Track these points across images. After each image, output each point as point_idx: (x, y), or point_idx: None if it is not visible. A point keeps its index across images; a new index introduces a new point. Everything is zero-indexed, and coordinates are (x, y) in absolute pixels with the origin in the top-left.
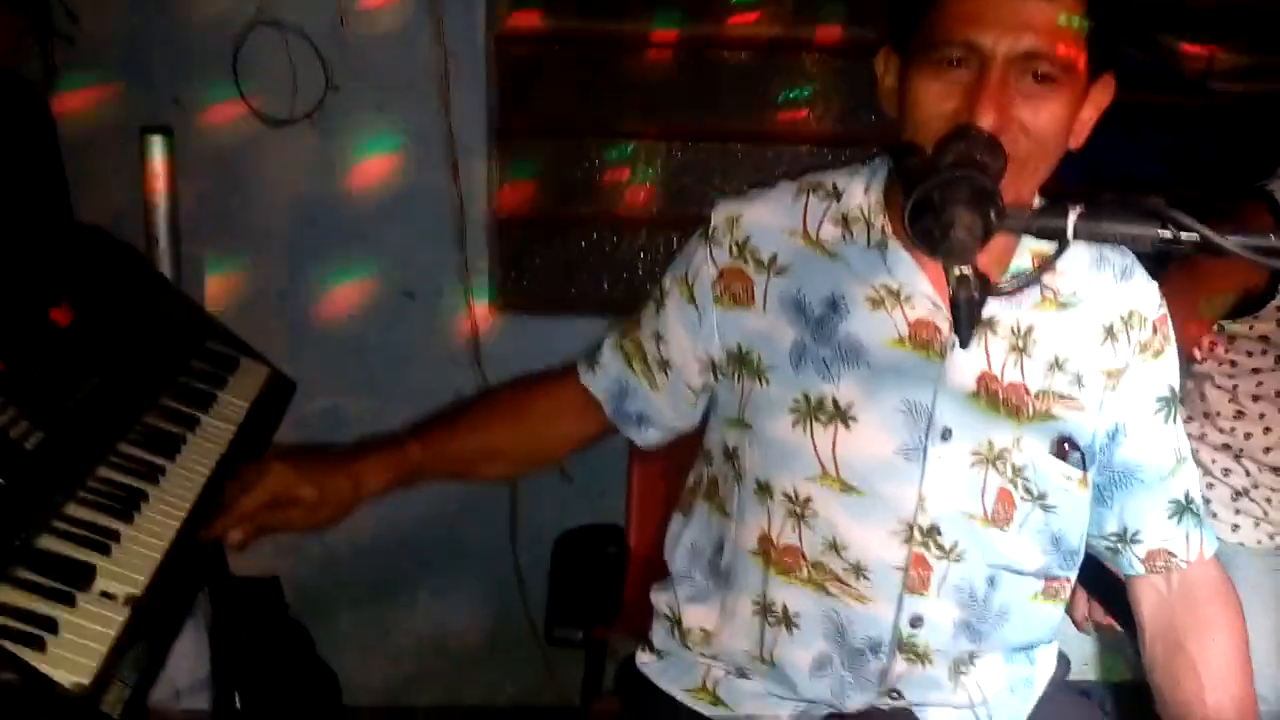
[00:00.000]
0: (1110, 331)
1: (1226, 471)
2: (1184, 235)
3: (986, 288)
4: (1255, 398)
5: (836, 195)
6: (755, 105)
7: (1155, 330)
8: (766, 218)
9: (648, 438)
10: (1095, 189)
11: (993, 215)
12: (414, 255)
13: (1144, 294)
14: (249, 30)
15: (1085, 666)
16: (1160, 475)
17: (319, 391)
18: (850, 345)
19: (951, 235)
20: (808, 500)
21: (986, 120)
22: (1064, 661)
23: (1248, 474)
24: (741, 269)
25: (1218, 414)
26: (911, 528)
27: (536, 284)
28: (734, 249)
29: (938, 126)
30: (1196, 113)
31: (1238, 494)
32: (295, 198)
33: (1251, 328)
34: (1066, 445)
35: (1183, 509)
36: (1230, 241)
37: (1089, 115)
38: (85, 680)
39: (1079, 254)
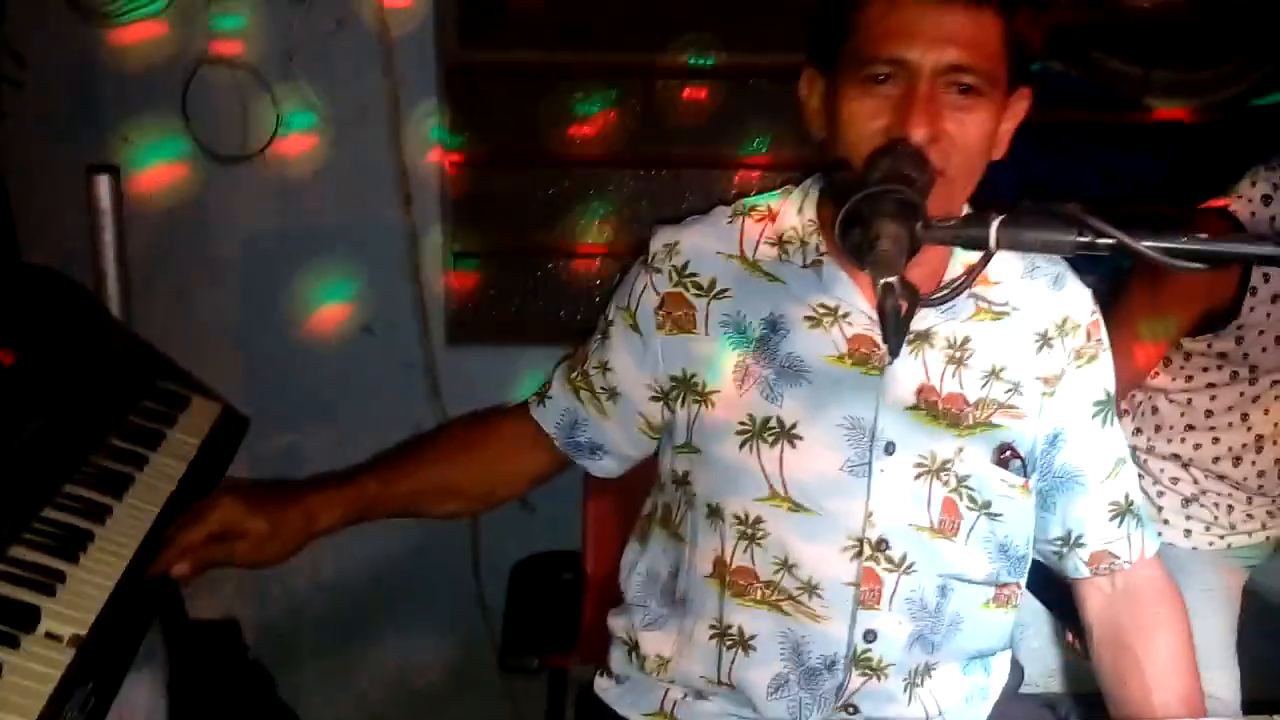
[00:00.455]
0: (1045, 338)
1: (1175, 480)
2: (1100, 240)
3: (915, 298)
4: (1209, 412)
5: (771, 216)
6: (707, 133)
7: (1089, 336)
8: (704, 242)
9: (603, 466)
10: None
11: (918, 227)
12: (369, 289)
13: (1077, 300)
14: (197, 67)
15: (1050, 678)
16: (1100, 478)
17: (276, 429)
18: (792, 364)
19: (878, 247)
20: (758, 520)
21: (918, 133)
22: (1018, 670)
23: (1195, 481)
24: (683, 294)
25: (1170, 426)
26: (861, 542)
27: (493, 315)
28: (673, 274)
29: (870, 143)
30: (1134, 130)
31: (1187, 500)
32: (248, 234)
33: (1210, 345)
34: (1007, 453)
35: (1124, 510)
36: (1143, 245)
37: (1009, 127)
38: None
39: (1011, 264)
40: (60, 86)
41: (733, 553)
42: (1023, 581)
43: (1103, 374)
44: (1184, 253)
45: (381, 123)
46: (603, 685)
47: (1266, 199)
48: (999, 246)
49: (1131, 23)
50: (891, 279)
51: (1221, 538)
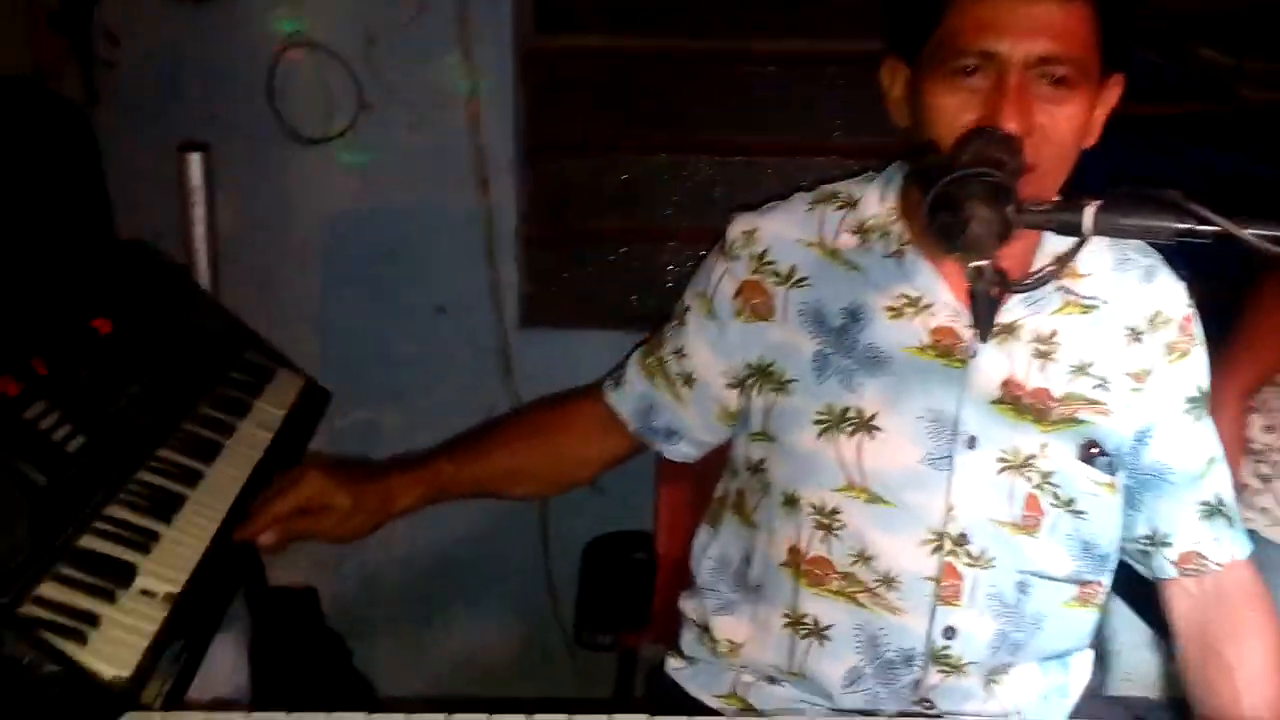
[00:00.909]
0: (1135, 333)
1: None
2: (1202, 227)
3: (1006, 283)
4: None
5: (852, 204)
6: (784, 119)
7: (1182, 330)
8: (783, 230)
9: (679, 451)
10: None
11: (1010, 211)
12: (445, 271)
13: (1169, 294)
14: (283, 51)
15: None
16: (1190, 477)
17: (351, 405)
18: (872, 354)
19: (969, 229)
20: (835, 511)
21: (1010, 127)
22: (1099, 670)
23: None
24: (760, 282)
25: None
26: (941, 537)
27: (566, 299)
28: (752, 262)
29: (955, 134)
30: (1225, 121)
31: None
32: (328, 215)
33: None
34: (1094, 450)
35: (1214, 510)
36: (1249, 233)
37: (1101, 114)
38: (125, 673)
39: (1101, 257)
40: (151, 67)
41: (809, 542)
42: (1107, 580)
43: (1196, 370)
44: None
45: (459, 107)
46: (674, 665)
47: None
48: (1094, 232)
49: (1224, 11)
50: (983, 262)
51: None
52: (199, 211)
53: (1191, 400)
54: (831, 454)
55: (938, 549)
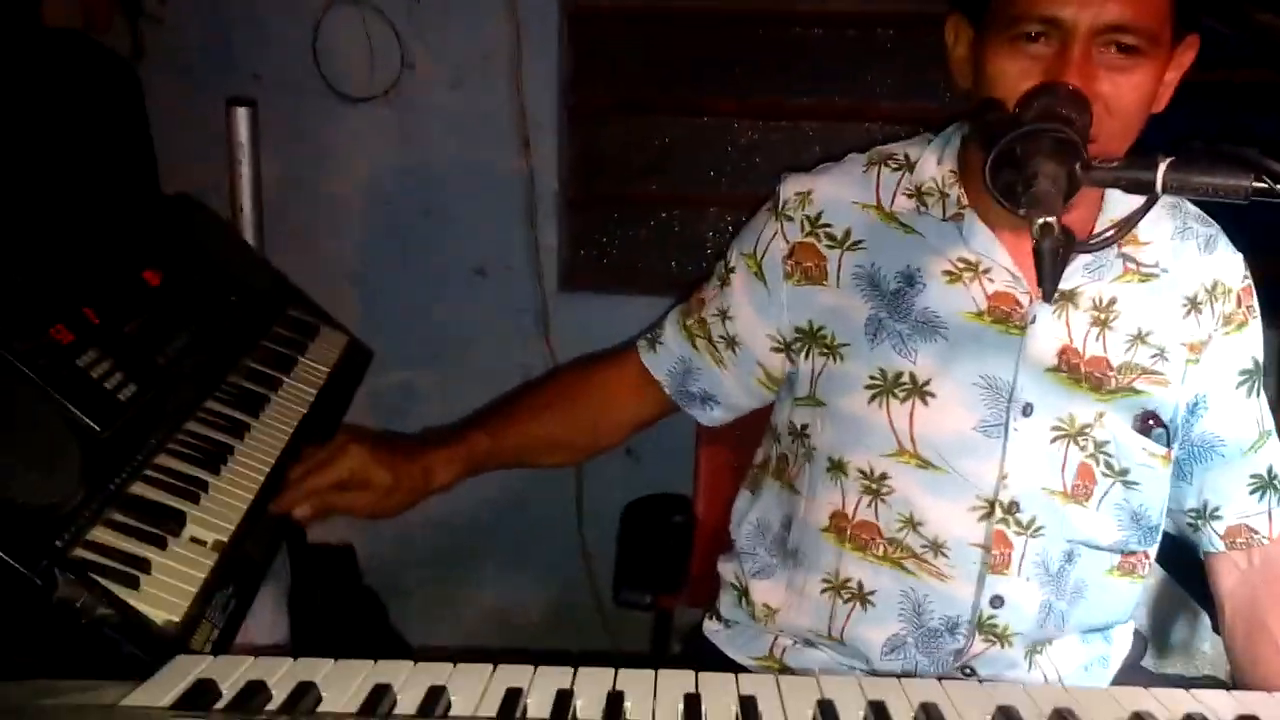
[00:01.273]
0: (1194, 303)
1: None
2: (1279, 186)
3: (1071, 242)
4: None
5: (909, 166)
6: (829, 82)
7: (1239, 302)
8: (839, 192)
9: (713, 416)
10: None
11: (1078, 168)
12: (485, 232)
13: (1228, 265)
14: (328, 8)
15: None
16: (1241, 449)
17: (391, 366)
18: (927, 319)
19: (1036, 185)
20: (884, 476)
21: None
22: (1140, 641)
23: None
24: (814, 245)
25: None
26: (993, 504)
27: (606, 262)
28: (805, 224)
29: (1016, 99)
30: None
31: None
32: (371, 174)
33: None
34: (1151, 420)
35: (1265, 485)
36: None
37: (1172, 77)
38: (176, 618)
39: (1162, 224)
40: (197, 23)
41: (855, 507)
42: (1152, 551)
43: (1251, 342)
44: None
45: (503, 68)
46: (712, 628)
47: None
48: (1167, 190)
49: None
50: (1050, 219)
51: None
52: (245, 167)
53: (1245, 373)
54: (883, 419)
55: (987, 516)
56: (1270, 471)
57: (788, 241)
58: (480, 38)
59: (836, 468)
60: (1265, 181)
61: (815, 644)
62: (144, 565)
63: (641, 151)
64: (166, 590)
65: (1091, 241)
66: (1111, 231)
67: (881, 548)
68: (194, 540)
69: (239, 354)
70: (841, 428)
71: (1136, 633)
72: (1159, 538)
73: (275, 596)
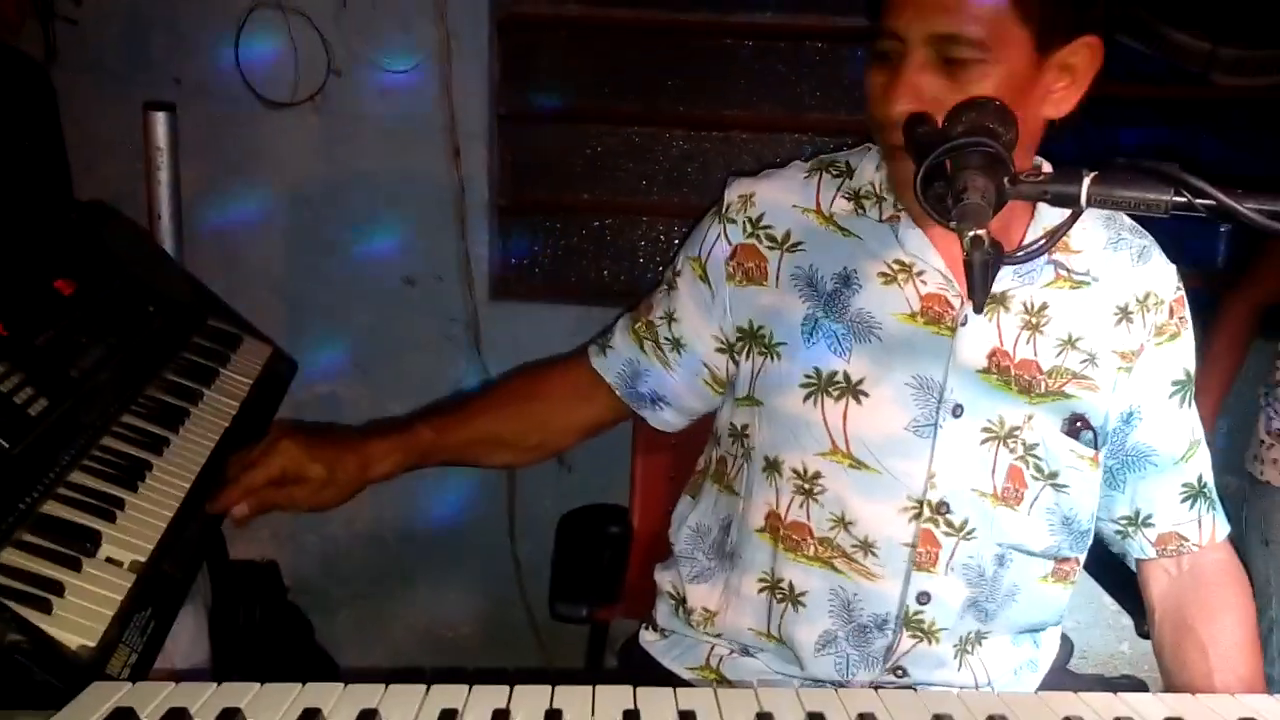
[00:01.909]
0: (1125, 312)
1: None
2: (1198, 201)
3: (1000, 253)
4: None
5: (849, 172)
6: (760, 95)
7: (1172, 313)
8: (780, 196)
9: (664, 419)
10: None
11: (1006, 182)
12: (414, 241)
13: (1161, 276)
14: (250, 11)
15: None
16: (1174, 459)
17: (316, 377)
18: (862, 320)
19: (965, 199)
20: (816, 476)
21: (898, 107)
22: (1068, 645)
23: None
24: (755, 246)
25: None
26: (921, 504)
27: (538, 271)
28: (747, 226)
29: (875, 114)
30: (1198, 107)
31: None
32: (295, 181)
33: None
34: (1079, 424)
35: (1196, 493)
36: (1245, 206)
37: (1063, 83)
38: (91, 643)
39: (1095, 234)
40: (114, 25)
41: (788, 507)
42: (1082, 558)
43: (1183, 353)
44: None
45: (432, 74)
46: (648, 639)
47: None
48: (1090, 203)
49: None
50: (980, 231)
51: None
52: (163, 173)
53: (1177, 383)
54: (817, 418)
55: (916, 516)
56: (1200, 480)
57: (730, 243)
58: (409, 44)
59: (772, 467)
60: (1185, 196)
61: (751, 651)
62: (57, 588)
63: (573, 160)
64: (81, 614)
65: (1020, 253)
66: (1041, 242)
67: (812, 548)
68: (110, 560)
69: (157, 366)
70: (777, 427)
71: (1064, 636)
72: (1088, 543)
73: (196, 616)
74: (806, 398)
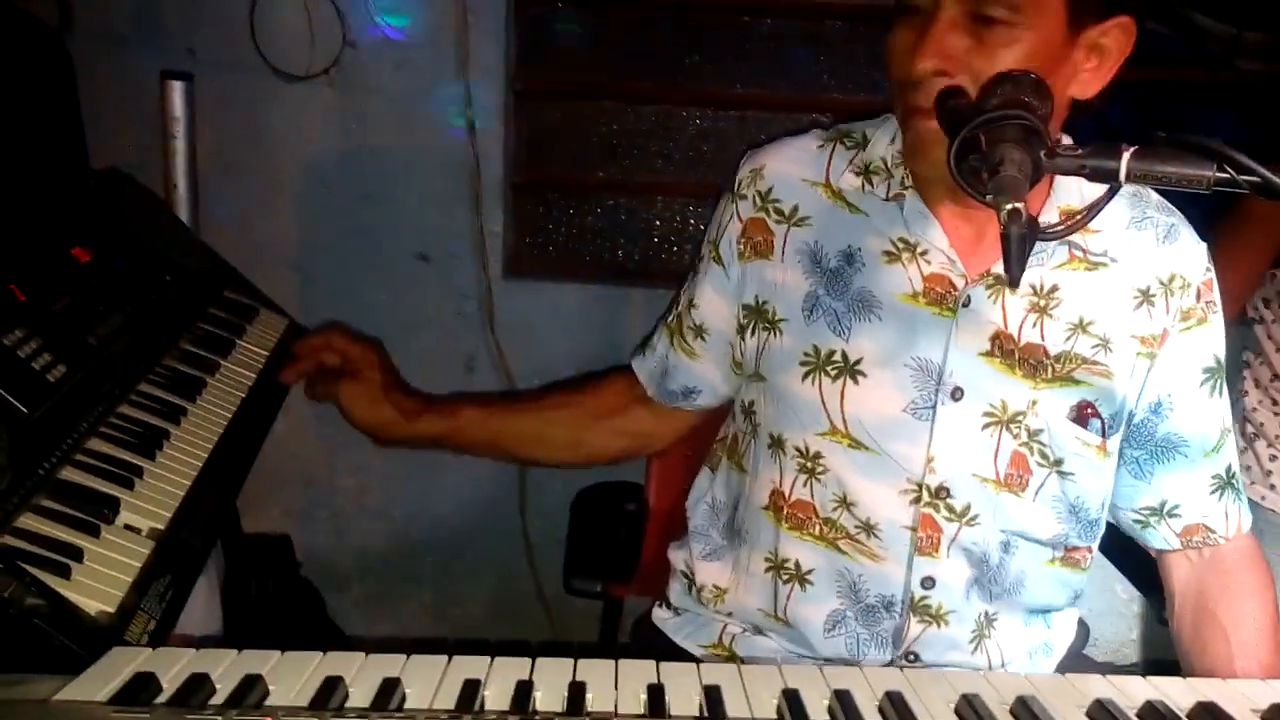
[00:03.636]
0: (1146, 295)
1: None
2: (1242, 177)
3: (1035, 229)
4: None
5: (863, 144)
6: (779, 74)
7: (1199, 296)
8: (790, 168)
9: (699, 405)
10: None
11: (1042, 155)
12: (428, 217)
13: (1189, 257)
14: None
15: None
16: (1204, 450)
17: None
18: (863, 299)
19: (1002, 172)
20: (818, 455)
21: (923, 64)
22: (1084, 629)
23: None
24: (764, 220)
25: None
26: (921, 487)
27: (552, 249)
28: (757, 200)
29: (896, 73)
30: (1222, 90)
31: None
32: (309, 155)
33: None
34: (1088, 410)
35: (1224, 484)
36: None
37: (1092, 63)
38: (110, 609)
39: (1118, 213)
40: None
41: (792, 485)
42: (1094, 546)
43: (1213, 339)
44: None
45: (449, 48)
46: (661, 616)
47: None
48: (1130, 179)
49: None
50: (1019, 205)
51: None
52: (180, 143)
53: (1208, 370)
54: (815, 396)
55: (916, 499)
56: (1229, 471)
57: (741, 220)
58: (425, 16)
59: (776, 444)
60: (1228, 171)
61: (763, 630)
62: (76, 554)
63: (589, 138)
64: (100, 580)
65: (1056, 228)
66: (1076, 219)
67: (817, 527)
68: (128, 528)
69: (174, 336)
70: (780, 404)
71: (1080, 620)
72: (1100, 532)
73: (208, 588)
74: (805, 376)
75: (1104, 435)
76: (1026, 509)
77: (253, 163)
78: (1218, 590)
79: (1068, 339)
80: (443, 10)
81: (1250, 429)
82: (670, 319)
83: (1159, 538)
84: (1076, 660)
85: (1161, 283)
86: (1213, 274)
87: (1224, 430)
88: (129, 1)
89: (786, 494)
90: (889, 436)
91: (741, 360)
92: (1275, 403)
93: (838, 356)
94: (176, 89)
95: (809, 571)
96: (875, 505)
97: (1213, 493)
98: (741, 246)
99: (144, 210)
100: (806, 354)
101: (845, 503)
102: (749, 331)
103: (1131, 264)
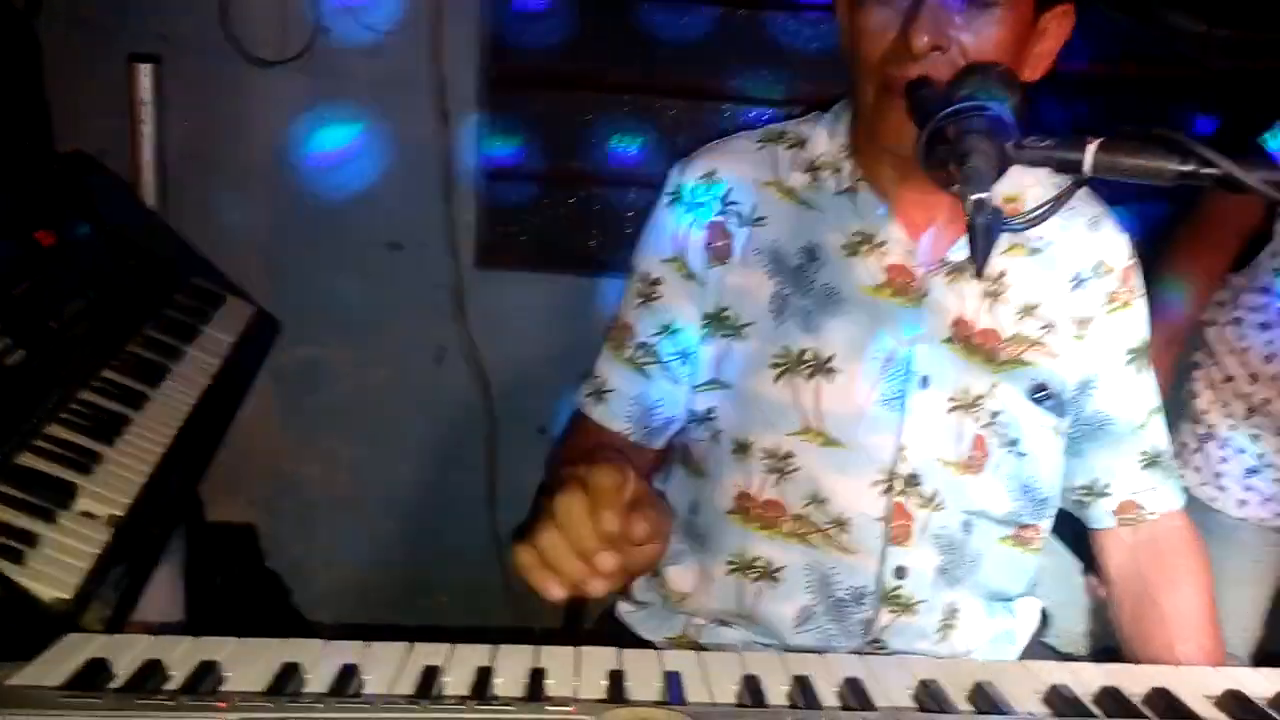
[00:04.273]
0: (1079, 280)
1: (1242, 449)
2: (1205, 170)
3: (1000, 218)
4: (1268, 357)
5: (800, 144)
6: (754, 66)
7: (1123, 281)
8: (743, 168)
9: (672, 432)
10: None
11: (1009, 146)
12: (400, 205)
13: (1113, 244)
14: None
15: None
16: (1132, 427)
17: (298, 341)
18: (829, 294)
19: (969, 163)
20: (789, 455)
21: (920, 41)
22: (1045, 617)
23: (1261, 455)
24: (723, 224)
25: (1234, 379)
26: (892, 477)
27: (525, 239)
28: (716, 205)
29: (879, 55)
30: (1192, 85)
31: (1250, 471)
32: (280, 141)
33: (1254, 279)
34: (1042, 391)
35: (1153, 461)
36: (1254, 177)
37: (1046, 48)
38: (66, 595)
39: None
40: None
41: (761, 487)
42: (1045, 525)
43: (1137, 321)
44: None
45: (422, 36)
46: (625, 609)
47: None
48: (1096, 171)
49: None
50: (985, 195)
51: (1277, 515)
52: (147, 127)
53: (1133, 351)
54: (789, 398)
55: (888, 489)
56: (1156, 449)
57: (702, 227)
58: (400, 2)
59: (741, 449)
60: (1192, 165)
61: (728, 623)
62: (30, 539)
63: (564, 127)
64: (55, 566)
65: (1020, 220)
66: (1040, 210)
67: (787, 524)
68: (86, 514)
69: (138, 322)
70: (747, 409)
71: (1043, 610)
72: (1051, 513)
73: (171, 576)
74: (778, 378)
75: (1059, 415)
76: (983, 488)
77: (222, 149)
78: (1155, 574)
79: (1018, 321)
80: None
81: (1202, 430)
82: (628, 353)
83: (1097, 516)
84: (1037, 648)
85: (1091, 268)
86: (1135, 262)
87: (1150, 410)
88: None
89: (755, 496)
90: (861, 429)
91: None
92: (1227, 404)
93: (809, 355)
94: (144, 72)
95: (779, 569)
96: (847, 499)
97: (1143, 469)
98: (708, 255)
99: (109, 195)
100: (778, 356)
101: (816, 499)
102: (708, 338)
103: (1065, 249)
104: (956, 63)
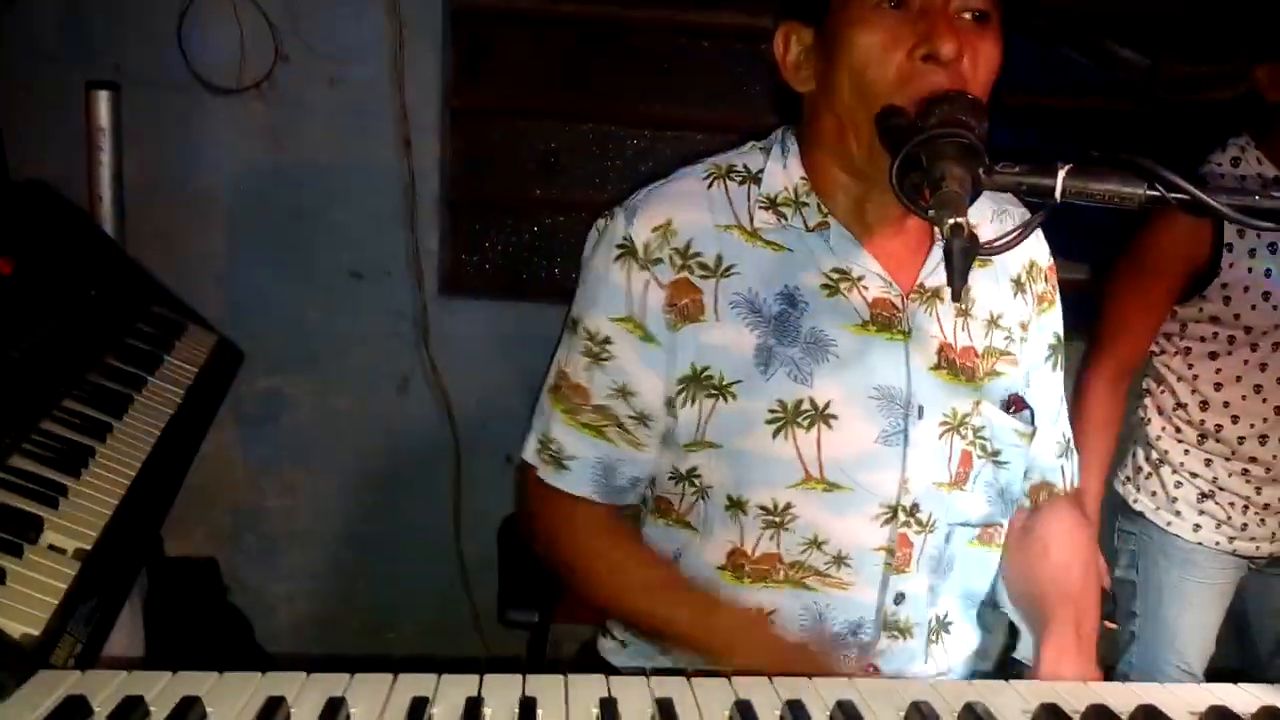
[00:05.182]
0: (1019, 284)
1: (1194, 474)
2: (1172, 195)
3: (975, 242)
4: (1218, 385)
5: (755, 179)
6: (716, 95)
7: (1048, 280)
8: (698, 215)
9: (639, 491)
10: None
11: (980, 172)
12: (362, 234)
13: (1039, 247)
14: None
15: None
16: (1051, 418)
17: (260, 371)
18: (816, 339)
19: (944, 188)
20: (788, 507)
21: (948, 47)
22: (1014, 633)
23: (1214, 479)
24: (688, 280)
25: (1185, 406)
26: (895, 509)
27: (488, 268)
28: (676, 259)
29: (895, 70)
30: (1137, 118)
31: (1203, 496)
32: (240, 169)
33: (1201, 310)
34: (1018, 401)
35: (1065, 447)
36: (1219, 201)
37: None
38: (35, 631)
39: (982, 208)
40: (53, 6)
41: (755, 543)
42: (1007, 521)
43: (1058, 318)
44: (1257, 211)
45: (383, 63)
46: (606, 646)
47: (1235, 160)
48: (1065, 196)
49: (1142, 14)
50: (961, 219)
51: (1230, 539)
52: (105, 155)
53: (1052, 347)
54: (789, 451)
55: (889, 521)
56: (1065, 435)
57: (663, 286)
58: (360, 32)
59: (735, 505)
60: (1159, 190)
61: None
62: None
63: (526, 156)
64: (24, 601)
65: (996, 243)
66: (1012, 234)
67: (782, 573)
68: (53, 548)
69: (99, 351)
70: (742, 467)
71: (1010, 624)
72: (1015, 509)
73: (131, 612)
74: (776, 433)
75: (1031, 422)
76: (967, 499)
77: (181, 177)
78: (1041, 524)
79: (987, 335)
80: (378, 24)
81: (1155, 455)
82: (584, 417)
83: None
84: (1011, 663)
85: (1026, 271)
86: (1053, 259)
87: (1061, 399)
88: (54, 13)
89: (750, 552)
90: (863, 469)
91: (673, 432)
92: (1179, 430)
93: (806, 405)
94: (102, 99)
95: (771, 613)
96: (847, 537)
97: (1058, 456)
98: (670, 316)
99: (67, 223)
100: (773, 410)
101: (815, 543)
102: (686, 401)
103: (1005, 256)
104: (974, 70)
